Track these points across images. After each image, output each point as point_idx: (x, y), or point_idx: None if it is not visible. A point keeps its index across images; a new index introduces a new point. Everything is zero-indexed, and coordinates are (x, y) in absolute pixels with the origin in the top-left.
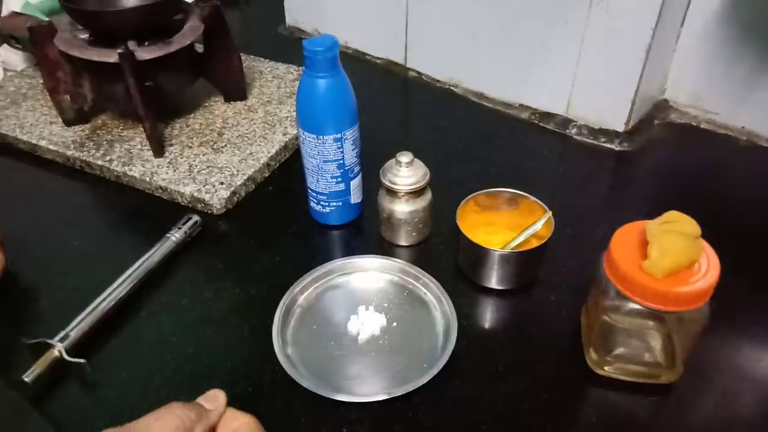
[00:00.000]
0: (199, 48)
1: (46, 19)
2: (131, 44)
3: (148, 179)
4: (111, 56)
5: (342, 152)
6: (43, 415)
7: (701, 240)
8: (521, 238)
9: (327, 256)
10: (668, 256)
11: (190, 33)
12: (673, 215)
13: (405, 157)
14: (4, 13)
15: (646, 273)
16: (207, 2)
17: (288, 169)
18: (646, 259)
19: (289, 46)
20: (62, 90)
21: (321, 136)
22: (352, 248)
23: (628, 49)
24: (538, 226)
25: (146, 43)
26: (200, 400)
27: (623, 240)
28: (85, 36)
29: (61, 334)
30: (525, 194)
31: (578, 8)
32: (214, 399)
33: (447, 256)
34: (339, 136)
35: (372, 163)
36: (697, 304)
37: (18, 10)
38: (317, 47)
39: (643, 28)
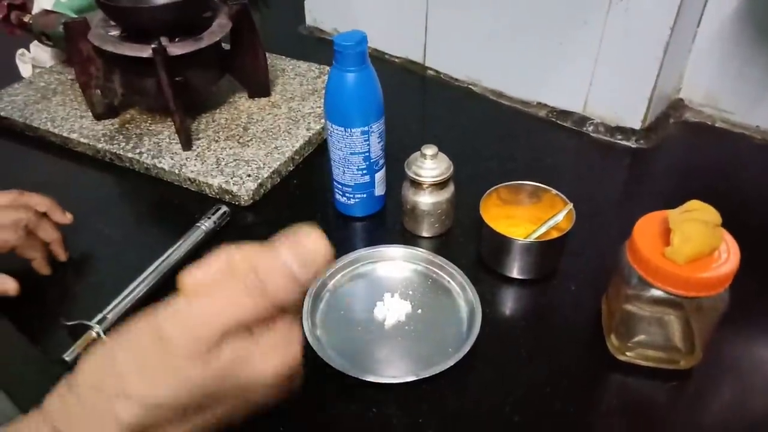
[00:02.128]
0: (225, 46)
1: (75, 16)
2: (163, 40)
3: (177, 171)
4: (144, 51)
5: (368, 145)
6: None
7: (721, 228)
8: (543, 229)
9: (351, 246)
10: (690, 242)
11: (218, 30)
12: (694, 204)
13: (430, 149)
14: (36, 11)
15: (668, 259)
16: (235, 1)
17: (311, 164)
18: (668, 246)
19: (309, 45)
20: (93, 85)
21: (349, 129)
22: (376, 239)
23: (646, 49)
24: (560, 217)
25: (176, 40)
26: (286, 251)
27: (645, 229)
28: (116, 32)
29: (99, 316)
30: (547, 187)
31: (597, 8)
32: (307, 256)
33: (468, 247)
34: (366, 128)
35: (392, 159)
36: (717, 290)
37: (49, 8)
38: (347, 42)
39: (661, 27)
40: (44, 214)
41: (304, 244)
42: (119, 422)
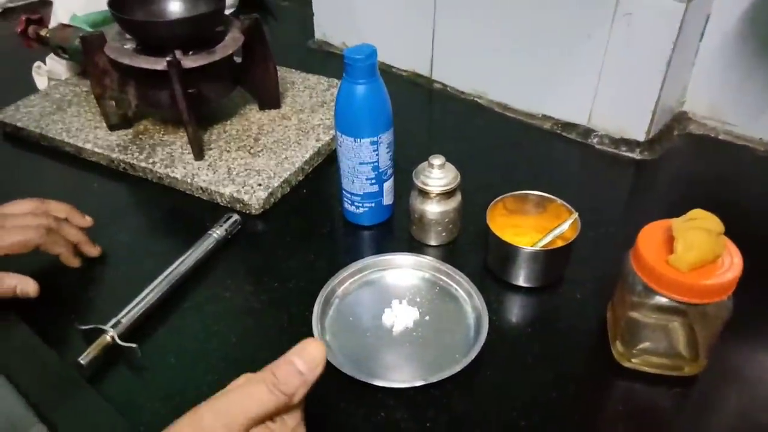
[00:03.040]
0: (237, 59)
1: (91, 30)
2: (177, 53)
3: (189, 180)
4: (159, 64)
5: (377, 155)
6: (97, 394)
7: (724, 236)
8: (549, 238)
9: (360, 254)
10: (693, 250)
11: (231, 44)
12: (697, 213)
13: (437, 159)
14: (53, 25)
15: (672, 267)
16: (247, 16)
17: (320, 174)
18: (671, 254)
19: (318, 59)
20: (108, 96)
21: (358, 139)
22: (384, 248)
23: (649, 63)
24: (565, 226)
25: (190, 53)
26: (295, 357)
27: (649, 237)
28: (131, 46)
29: (113, 320)
30: (552, 197)
31: (601, 22)
32: (311, 361)
33: (475, 255)
34: (375, 139)
35: (400, 169)
36: (721, 297)
37: (66, 22)
38: (357, 55)
39: (663, 42)
40: (65, 219)
41: (309, 351)
42: None
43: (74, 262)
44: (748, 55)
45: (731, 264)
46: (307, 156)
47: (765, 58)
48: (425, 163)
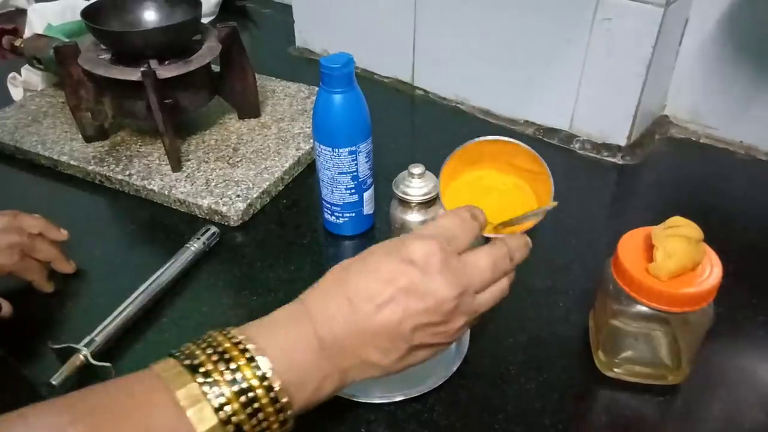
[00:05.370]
0: (215, 68)
1: (67, 40)
2: (153, 63)
3: (166, 192)
4: (133, 75)
5: (356, 164)
6: None
7: (704, 244)
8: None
9: None
10: (673, 258)
11: (208, 53)
12: (676, 220)
13: (417, 168)
14: (27, 35)
15: (652, 275)
16: (225, 24)
17: (301, 183)
18: (652, 262)
19: (299, 66)
20: (84, 107)
21: (336, 149)
22: None
23: (629, 67)
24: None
25: (166, 63)
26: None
27: (629, 245)
28: (107, 56)
29: (87, 339)
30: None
31: (581, 28)
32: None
33: None
34: (354, 148)
35: (381, 177)
36: (701, 305)
37: (41, 32)
38: (334, 64)
39: (643, 45)
40: (39, 235)
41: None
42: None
43: (47, 288)
44: (728, 58)
45: (711, 271)
46: (287, 166)
47: (744, 60)
48: (405, 172)
